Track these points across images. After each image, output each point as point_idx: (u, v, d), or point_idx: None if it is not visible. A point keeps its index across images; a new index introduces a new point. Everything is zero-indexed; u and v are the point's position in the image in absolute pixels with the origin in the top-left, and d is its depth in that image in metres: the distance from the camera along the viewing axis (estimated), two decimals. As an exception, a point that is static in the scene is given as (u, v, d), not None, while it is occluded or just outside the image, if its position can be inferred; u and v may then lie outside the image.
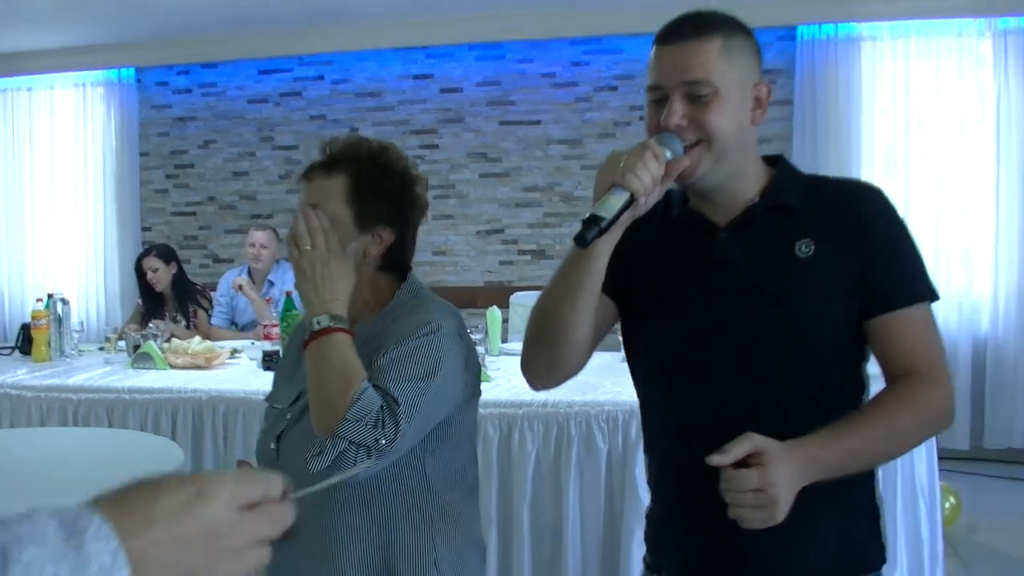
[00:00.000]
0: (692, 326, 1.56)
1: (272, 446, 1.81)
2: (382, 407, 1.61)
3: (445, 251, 5.92)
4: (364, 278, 1.81)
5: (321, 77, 6.14)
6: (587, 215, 1.40)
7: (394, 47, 5.87)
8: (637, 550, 3.06)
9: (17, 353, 4.59)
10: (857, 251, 1.49)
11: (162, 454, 2.13)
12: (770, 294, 1.49)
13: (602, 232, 1.39)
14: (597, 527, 3.20)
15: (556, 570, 3.26)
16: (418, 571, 1.72)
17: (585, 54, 5.66)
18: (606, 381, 3.46)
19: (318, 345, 1.66)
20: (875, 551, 1.61)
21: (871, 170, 5.36)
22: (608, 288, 1.55)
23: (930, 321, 1.53)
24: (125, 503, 0.70)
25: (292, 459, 1.72)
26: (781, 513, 1.37)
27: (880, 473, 1.66)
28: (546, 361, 1.64)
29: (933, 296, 1.53)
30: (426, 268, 5.74)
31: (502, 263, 5.87)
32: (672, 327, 1.60)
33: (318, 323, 1.67)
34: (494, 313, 4.27)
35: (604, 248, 1.46)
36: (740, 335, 1.51)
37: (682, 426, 1.61)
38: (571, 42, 5.64)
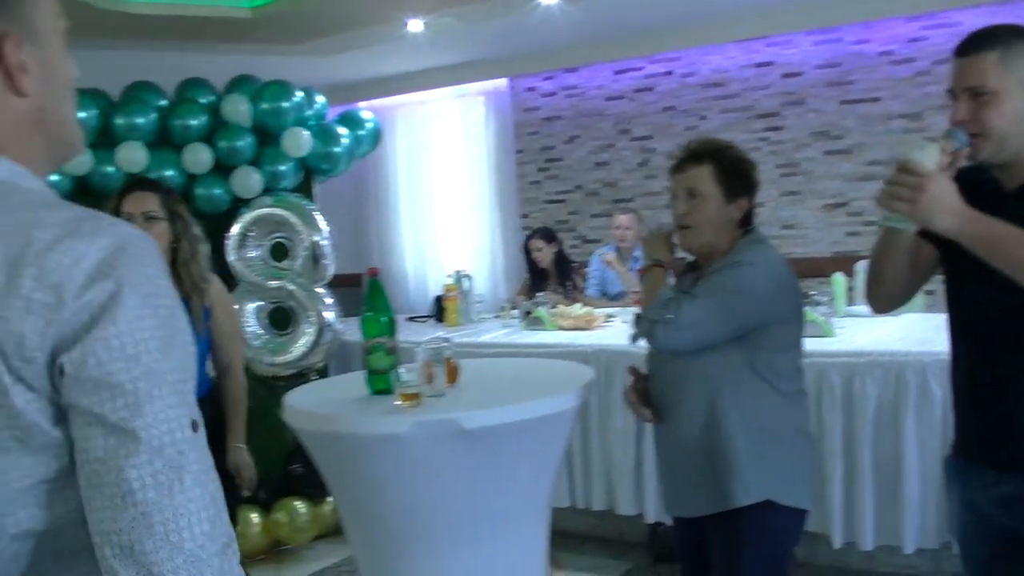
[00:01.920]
0: (978, 281, 1.89)
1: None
2: (671, 300, 2.39)
3: (793, 225, 6.20)
4: (727, 235, 2.47)
5: (670, 72, 6.65)
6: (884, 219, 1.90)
7: (736, 40, 6.26)
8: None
9: (433, 321, 5.62)
10: None
11: (577, 372, 2.87)
12: None
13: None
14: (935, 466, 3.43)
15: (896, 503, 3.62)
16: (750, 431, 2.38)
17: (923, 29, 5.74)
18: (942, 335, 3.81)
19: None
20: None
21: None
22: (927, 234, 1.94)
23: None
24: None
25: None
26: (922, 208, 1.75)
27: None
28: (876, 292, 2.19)
29: None
30: (775, 241, 5.97)
31: (848, 234, 6.12)
32: (964, 279, 2.02)
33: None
34: (838, 279, 4.70)
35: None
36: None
37: (966, 377, 2.04)
38: (907, 19, 5.76)
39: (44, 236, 0.91)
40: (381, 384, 2.69)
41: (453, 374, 2.73)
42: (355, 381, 2.84)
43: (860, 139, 6.04)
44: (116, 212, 2.95)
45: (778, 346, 2.41)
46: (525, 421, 2.41)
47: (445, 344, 2.75)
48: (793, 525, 2.45)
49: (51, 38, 1.05)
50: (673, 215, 2.56)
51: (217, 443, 3.04)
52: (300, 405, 2.65)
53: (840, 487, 3.73)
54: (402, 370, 2.55)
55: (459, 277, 5.45)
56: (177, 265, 2.99)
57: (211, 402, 3.13)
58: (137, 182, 3.18)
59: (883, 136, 5.93)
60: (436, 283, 6.92)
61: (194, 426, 0.94)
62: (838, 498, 3.73)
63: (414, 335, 4.77)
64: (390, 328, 2.72)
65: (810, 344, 2.65)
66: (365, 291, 2.79)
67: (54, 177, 4.28)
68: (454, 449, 2.37)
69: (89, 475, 0.90)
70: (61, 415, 0.92)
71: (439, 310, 5.55)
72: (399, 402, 2.51)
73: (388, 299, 2.78)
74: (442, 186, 7.67)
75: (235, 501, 3.35)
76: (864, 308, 3.65)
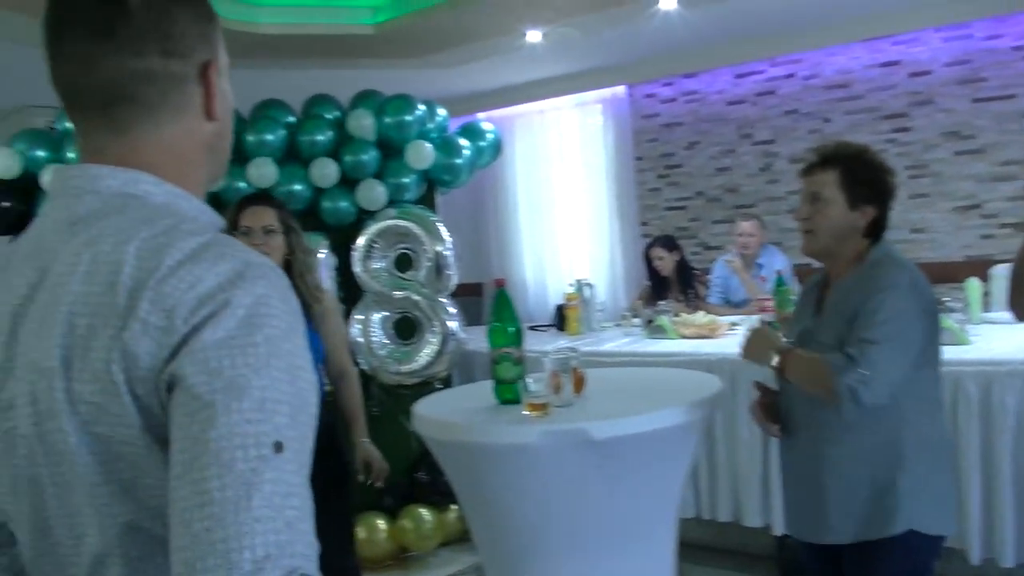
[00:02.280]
0: None
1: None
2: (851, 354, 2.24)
3: (922, 228, 6.05)
4: (852, 244, 2.42)
5: (792, 75, 6.52)
6: None
7: (861, 39, 6.10)
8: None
9: (554, 330, 5.64)
10: None
11: (705, 382, 2.85)
12: None
13: None
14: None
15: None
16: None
17: (1060, 22, 5.53)
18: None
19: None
20: None
21: None
22: None
23: None
24: None
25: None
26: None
27: None
28: (1021, 298, 2.12)
29: None
30: (903, 245, 5.85)
31: (982, 237, 5.91)
32: None
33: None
34: (973, 284, 4.53)
35: None
36: None
37: None
38: (1043, 12, 5.52)
39: (169, 262, 0.94)
40: (509, 394, 2.71)
41: (580, 384, 2.74)
42: (482, 391, 2.88)
43: (994, 138, 5.83)
44: (233, 225, 3.06)
45: (923, 363, 2.35)
46: (654, 431, 2.40)
47: (572, 354, 2.76)
48: (936, 548, 2.39)
49: (225, 69, 1.12)
50: (796, 217, 2.52)
51: (332, 447, 3.12)
52: (430, 414, 2.70)
53: (978, 501, 3.60)
54: (529, 380, 2.57)
55: (580, 285, 5.45)
56: (293, 276, 3.08)
57: (325, 407, 3.19)
58: (254, 196, 3.29)
59: (1018, 135, 5.72)
60: (556, 292, 6.94)
61: (278, 447, 0.89)
62: (976, 512, 3.60)
63: (536, 344, 4.79)
64: (517, 338, 2.75)
65: (944, 352, 2.57)
66: (492, 302, 2.83)
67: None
68: (583, 459, 2.38)
69: (172, 489, 0.89)
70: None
71: (560, 319, 5.57)
72: (527, 412, 2.53)
73: (515, 309, 2.80)
74: (561, 195, 7.68)
75: (362, 501, 3.39)
76: (1002, 315, 3.53)
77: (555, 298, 6.52)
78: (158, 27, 1.02)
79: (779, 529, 4.07)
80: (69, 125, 4.59)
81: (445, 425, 2.61)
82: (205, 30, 1.07)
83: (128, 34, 1.01)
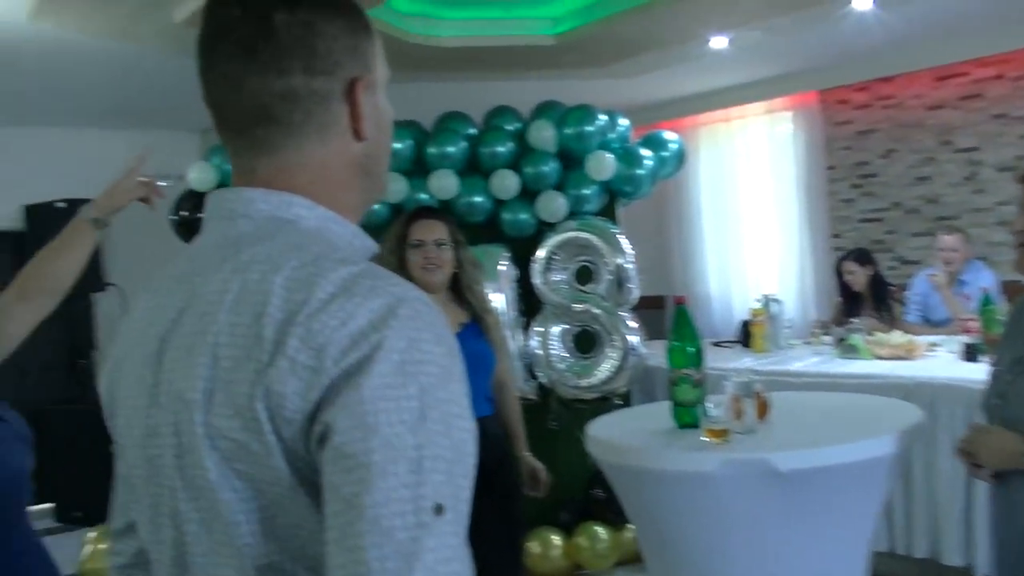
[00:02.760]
0: None
1: (995, 401, 2.23)
2: None
3: None
4: None
5: (1000, 76, 6.11)
6: None
7: None
8: None
9: (739, 346, 5.45)
10: None
11: (902, 411, 2.64)
12: None
13: None
14: None
15: None
16: None
17: None
18: None
19: None
20: None
21: None
22: None
23: None
24: None
25: (1016, 408, 2.12)
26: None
27: None
28: None
29: None
30: None
31: None
32: None
33: None
34: None
35: None
36: None
37: None
38: None
39: (320, 295, 0.88)
40: (687, 418, 2.59)
41: (763, 409, 2.59)
42: (659, 412, 2.76)
43: None
44: (402, 238, 3.09)
45: None
46: (845, 465, 2.23)
47: (755, 378, 2.61)
48: None
49: (382, 84, 1.06)
50: (1012, 230, 2.27)
51: (504, 459, 3.12)
52: (604, 436, 2.61)
53: None
54: (709, 404, 2.45)
55: (767, 301, 5.25)
56: (462, 289, 3.13)
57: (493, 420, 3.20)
58: (424, 210, 3.34)
59: None
60: (741, 307, 6.72)
61: (438, 509, 0.83)
62: None
63: (720, 361, 4.64)
64: (697, 359, 2.62)
65: None
66: (672, 319, 2.71)
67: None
68: (765, 491, 2.24)
69: (328, 554, 0.83)
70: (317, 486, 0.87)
71: (745, 335, 5.36)
72: (706, 438, 2.40)
73: (696, 328, 2.68)
74: (748, 205, 7.45)
75: (538, 516, 3.37)
76: None
77: (740, 313, 6.30)
78: (303, 43, 0.97)
79: (983, 570, 3.76)
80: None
81: (619, 448, 2.51)
82: (356, 44, 1.02)
83: (271, 52, 0.97)
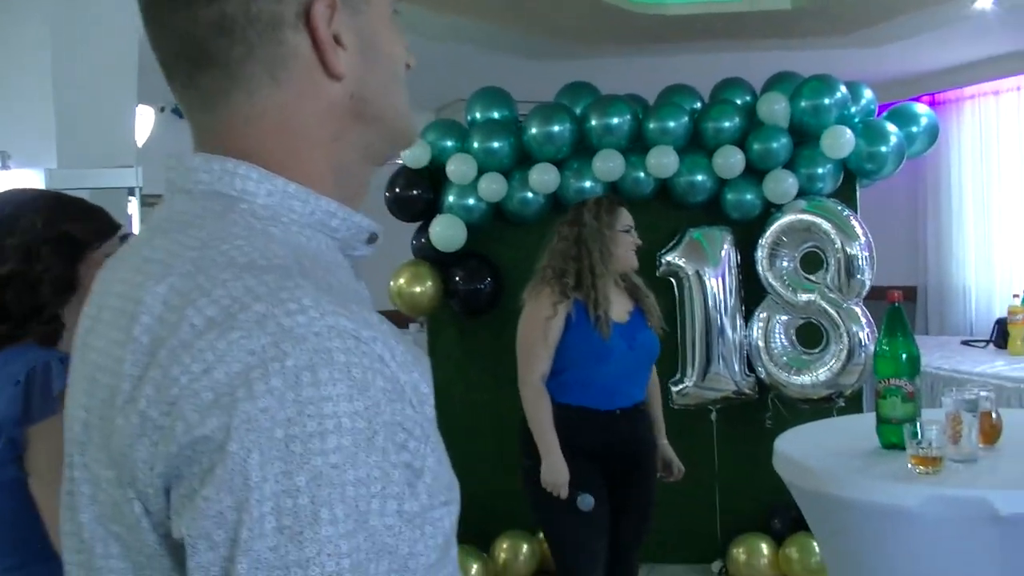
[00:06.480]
0: None
1: None
2: None
3: None
4: None
5: None
6: None
7: None
8: None
9: (991, 346, 4.85)
10: None
11: None
12: None
13: None
14: None
15: None
16: None
17: None
18: None
19: None
20: None
21: None
22: None
23: None
24: None
25: None
26: None
27: None
28: None
29: None
30: None
31: None
32: None
33: None
34: None
35: None
36: None
37: None
38: None
39: (193, 321, 0.64)
40: (893, 437, 2.22)
41: (991, 433, 2.18)
42: (863, 426, 2.39)
43: None
44: (610, 225, 3.06)
45: None
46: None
47: (984, 394, 2.20)
48: None
49: (376, 6, 0.80)
50: None
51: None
52: (791, 452, 2.28)
53: None
54: (922, 423, 2.07)
55: (1029, 298, 4.64)
56: (629, 274, 3.18)
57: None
58: (616, 197, 3.51)
59: None
60: (1002, 302, 6.06)
61: None
62: None
63: (964, 363, 4.16)
64: (910, 368, 2.24)
65: None
66: (883, 320, 2.34)
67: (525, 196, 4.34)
68: (982, 536, 1.86)
69: None
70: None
71: (1001, 335, 4.77)
72: (913, 465, 2.03)
73: (910, 331, 2.29)
74: (1014, 190, 6.67)
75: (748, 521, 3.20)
76: None
77: (1000, 309, 5.63)
78: None
79: None
80: (479, 116, 4.65)
81: (805, 469, 2.18)
82: None
83: None
